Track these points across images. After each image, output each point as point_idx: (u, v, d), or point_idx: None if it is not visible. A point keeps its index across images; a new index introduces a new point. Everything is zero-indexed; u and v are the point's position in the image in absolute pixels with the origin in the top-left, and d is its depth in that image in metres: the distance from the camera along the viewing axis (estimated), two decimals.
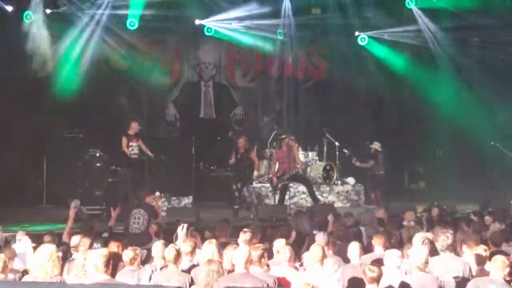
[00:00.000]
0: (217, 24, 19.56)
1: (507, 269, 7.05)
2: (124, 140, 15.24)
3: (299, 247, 9.30)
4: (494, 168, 18.05)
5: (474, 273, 7.72)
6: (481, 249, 7.26)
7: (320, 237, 8.74)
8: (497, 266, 7.03)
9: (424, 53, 20.52)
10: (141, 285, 7.32)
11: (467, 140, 17.92)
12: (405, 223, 11.37)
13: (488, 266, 7.37)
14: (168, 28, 19.12)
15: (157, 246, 8.04)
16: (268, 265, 7.80)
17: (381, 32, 20.45)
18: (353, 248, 8.12)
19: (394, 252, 7.75)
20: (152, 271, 7.59)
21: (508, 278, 7.13)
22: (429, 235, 8.97)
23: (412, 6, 19.40)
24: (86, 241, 8.39)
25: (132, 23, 18.15)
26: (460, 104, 20.06)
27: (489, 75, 19.43)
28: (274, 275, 7.46)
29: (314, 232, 9.95)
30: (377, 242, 8.73)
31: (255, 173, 16.97)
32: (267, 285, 7.01)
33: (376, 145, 18.13)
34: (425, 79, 20.02)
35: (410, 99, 20.70)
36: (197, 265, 7.90)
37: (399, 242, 9.87)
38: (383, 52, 20.81)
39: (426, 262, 7.35)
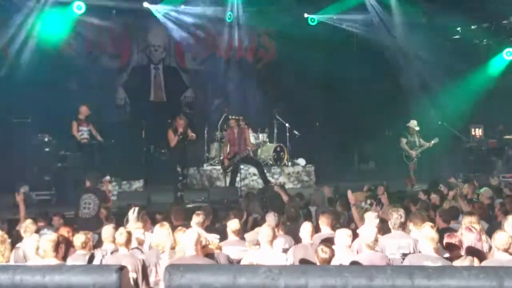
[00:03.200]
0: (165, 7, 19.50)
1: (440, 244, 7.19)
2: (74, 124, 15.14)
3: (250, 228, 9.36)
4: (442, 147, 18.31)
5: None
6: (428, 226, 7.36)
7: (271, 218, 8.78)
8: (426, 241, 7.09)
9: (372, 38, 20.70)
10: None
11: (416, 120, 18.12)
12: (354, 203, 11.44)
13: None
14: (116, 11, 18.94)
15: (107, 230, 7.99)
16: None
17: (330, 14, 20.68)
18: (306, 228, 8.14)
19: (344, 232, 7.79)
20: (103, 256, 7.55)
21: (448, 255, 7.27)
22: (377, 214, 9.14)
23: None
24: (32, 226, 8.29)
25: (79, 7, 17.93)
26: (408, 86, 20.40)
27: (434, 57, 19.79)
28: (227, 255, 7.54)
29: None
30: (324, 222, 8.74)
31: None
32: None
33: (413, 124, 17.81)
34: (373, 60, 20.22)
35: (359, 80, 20.84)
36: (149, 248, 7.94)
37: (349, 222, 10.01)
38: (332, 33, 20.98)
39: (376, 240, 7.42)
